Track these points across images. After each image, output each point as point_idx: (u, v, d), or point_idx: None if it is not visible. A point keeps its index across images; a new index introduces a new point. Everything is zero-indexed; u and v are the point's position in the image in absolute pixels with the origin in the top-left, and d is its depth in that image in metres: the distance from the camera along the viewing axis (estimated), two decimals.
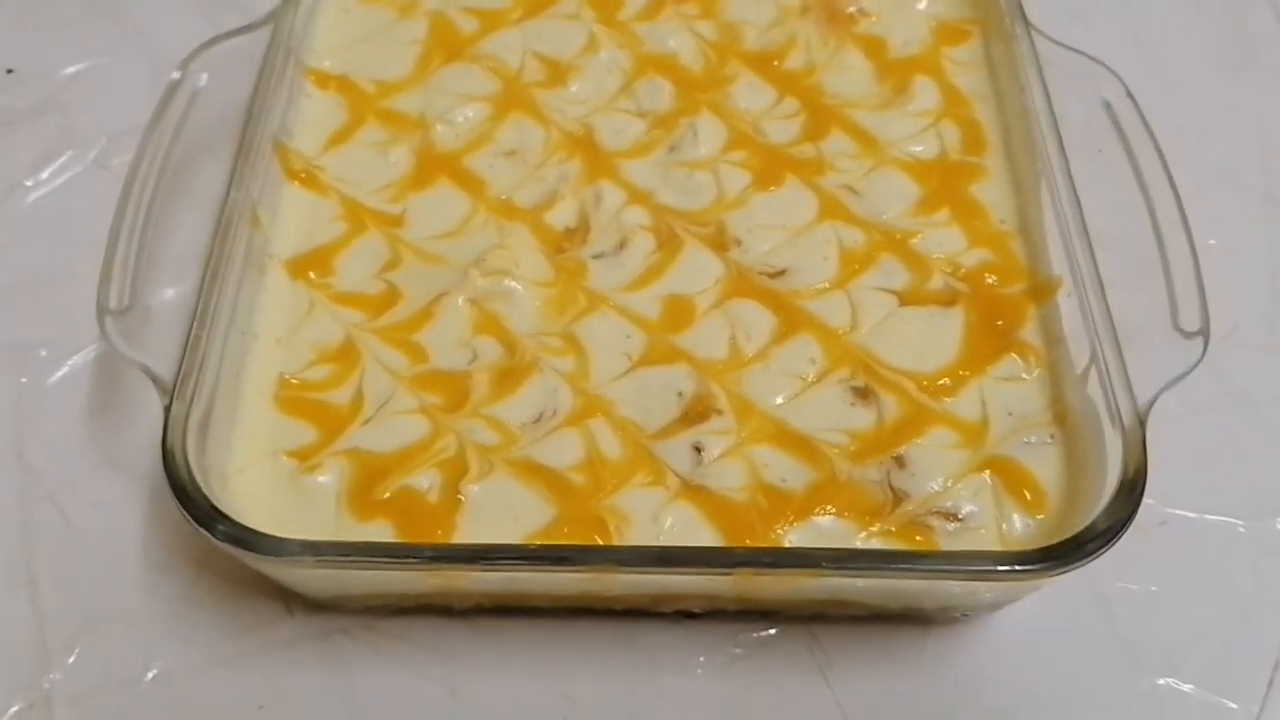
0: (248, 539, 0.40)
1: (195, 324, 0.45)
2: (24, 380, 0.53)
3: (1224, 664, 0.48)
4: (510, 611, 0.47)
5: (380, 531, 0.43)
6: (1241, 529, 0.51)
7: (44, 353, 0.54)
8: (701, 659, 0.47)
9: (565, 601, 0.45)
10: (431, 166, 0.54)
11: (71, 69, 0.65)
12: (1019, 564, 0.40)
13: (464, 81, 0.57)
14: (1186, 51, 0.68)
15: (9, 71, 0.65)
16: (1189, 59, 0.67)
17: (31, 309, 0.56)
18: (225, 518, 0.40)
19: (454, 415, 0.46)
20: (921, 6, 0.60)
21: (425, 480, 0.45)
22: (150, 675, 0.46)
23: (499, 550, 0.40)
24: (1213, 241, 0.53)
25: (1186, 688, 0.47)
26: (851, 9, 0.60)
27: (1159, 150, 0.51)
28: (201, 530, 0.40)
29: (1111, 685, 0.47)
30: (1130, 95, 0.53)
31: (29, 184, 0.60)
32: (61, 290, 0.56)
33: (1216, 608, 0.49)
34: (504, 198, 0.53)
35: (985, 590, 0.43)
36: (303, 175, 0.53)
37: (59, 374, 0.54)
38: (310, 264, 0.50)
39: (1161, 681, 0.47)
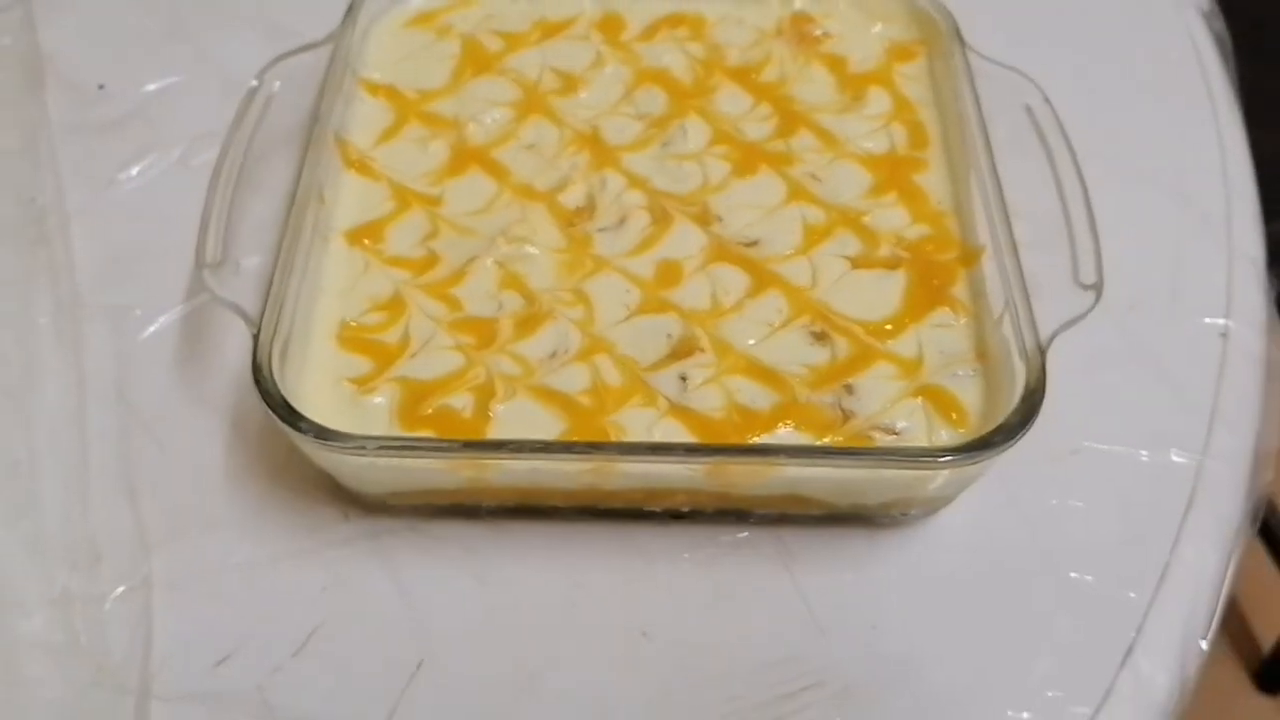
0: (324, 433, 0.50)
1: (276, 275, 0.55)
2: (122, 335, 0.64)
3: (1124, 563, 0.57)
4: (528, 514, 0.57)
5: (419, 463, 0.53)
6: (1144, 457, 0.61)
7: (138, 312, 0.65)
8: (686, 555, 0.56)
9: (574, 499, 0.55)
10: (464, 158, 0.64)
11: (153, 85, 0.77)
12: (940, 455, 0.50)
13: (492, 90, 0.68)
14: (1108, 68, 0.79)
15: (101, 87, 0.76)
16: (1109, 75, 0.78)
17: (126, 278, 0.66)
18: (305, 418, 0.50)
19: (484, 352, 0.56)
20: (877, 30, 0.71)
21: (461, 401, 0.55)
22: (231, 564, 0.56)
23: (521, 443, 0.50)
24: (1122, 227, 0.63)
25: (1090, 578, 0.56)
26: (818, 32, 0.71)
27: (1069, 145, 0.61)
28: (285, 427, 0.50)
29: (1028, 578, 0.57)
30: (1047, 100, 0.64)
31: (121, 178, 0.71)
32: (151, 264, 0.67)
33: (1120, 521, 0.59)
34: (525, 183, 0.63)
35: (916, 482, 0.52)
36: (358, 164, 0.64)
37: (150, 329, 0.64)
38: (365, 234, 0.61)
39: (1072, 575, 0.57)
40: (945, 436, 0.54)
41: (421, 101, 0.67)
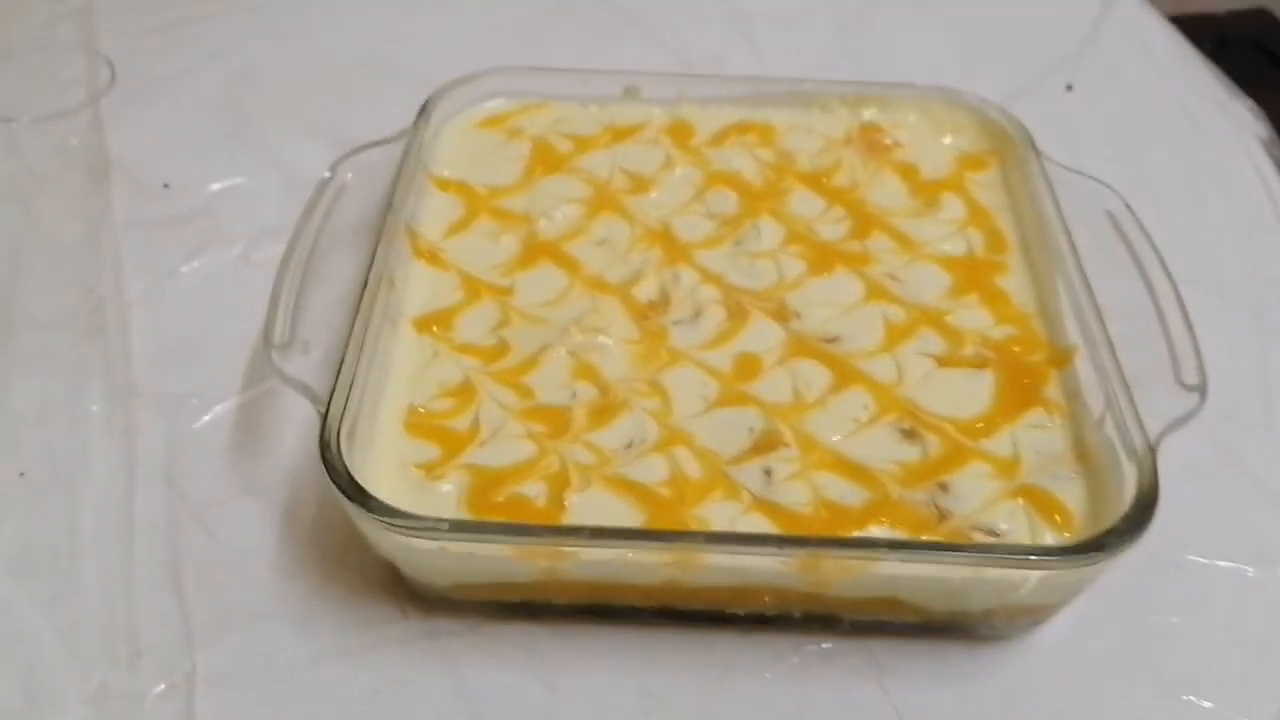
0: (394, 513, 0.47)
1: (347, 354, 0.53)
2: (176, 423, 0.62)
3: (1240, 686, 0.53)
4: (599, 616, 0.53)
5: (491, 550, 0.50)
6: (1250, 574, 0.57)
7: (194, 401, 0.62)
8: (769, 665, 0.53)
9: (652, 598, 0.51)
10: (535, 251, 0.63)
11: (218, 185, 0.76)
12: (1053, 555, 0.47)
13: (562, 188, 0.67)
14: (1173, 186, 0.78)
15: (166, 186, 0.76)
16: (1176, 192, 0.78)
17: (183, 368, 0.64)
18: (374, 498, 0.47)
19: (557, 441, 0.54)
20: (947, 141, 0.71)
21: (534, 490, 0.52)
22: (279, 662, 0.52)
23: (606, 530, 0.47)
24: (1207, 337, 0.61)
25: (1207, 704, 0.52)
26: (887, 140, 0.71)
27: (1155, 248, 0.60)
28: (353, 507, 0.47)
29: (1138, 700, 0.52)
30: (1129, 208, 0.63)
31: (183, 270, 0.70)
32: (210, 354, 0.65)
33: (1230, 639, 0.55)
34: (596, 276, 0.62)
35: (1022, 586, 0.49)
36: (428, 254, 0.62)
37: (206, 418, 0.62)
38: (434, 321, 0.59)
39: (1185, 698, 0.52)
40: (1050, 540, 0.51)
41: (492, 197, 0.67)
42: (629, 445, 0.54)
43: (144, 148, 0.79)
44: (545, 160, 0.69)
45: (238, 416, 0.62)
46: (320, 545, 0.56)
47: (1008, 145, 0.69)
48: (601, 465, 0.53)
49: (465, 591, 0.52)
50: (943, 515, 0.52)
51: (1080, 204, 0.64)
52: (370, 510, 0.47)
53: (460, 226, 0.65)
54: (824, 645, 0.53)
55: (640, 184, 0.68)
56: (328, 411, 0.50)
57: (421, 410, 0.55)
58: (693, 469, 0.53)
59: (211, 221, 0.74)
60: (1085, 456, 0.54)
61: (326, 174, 0.63)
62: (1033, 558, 0.47)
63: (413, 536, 0.47)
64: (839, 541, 0.48)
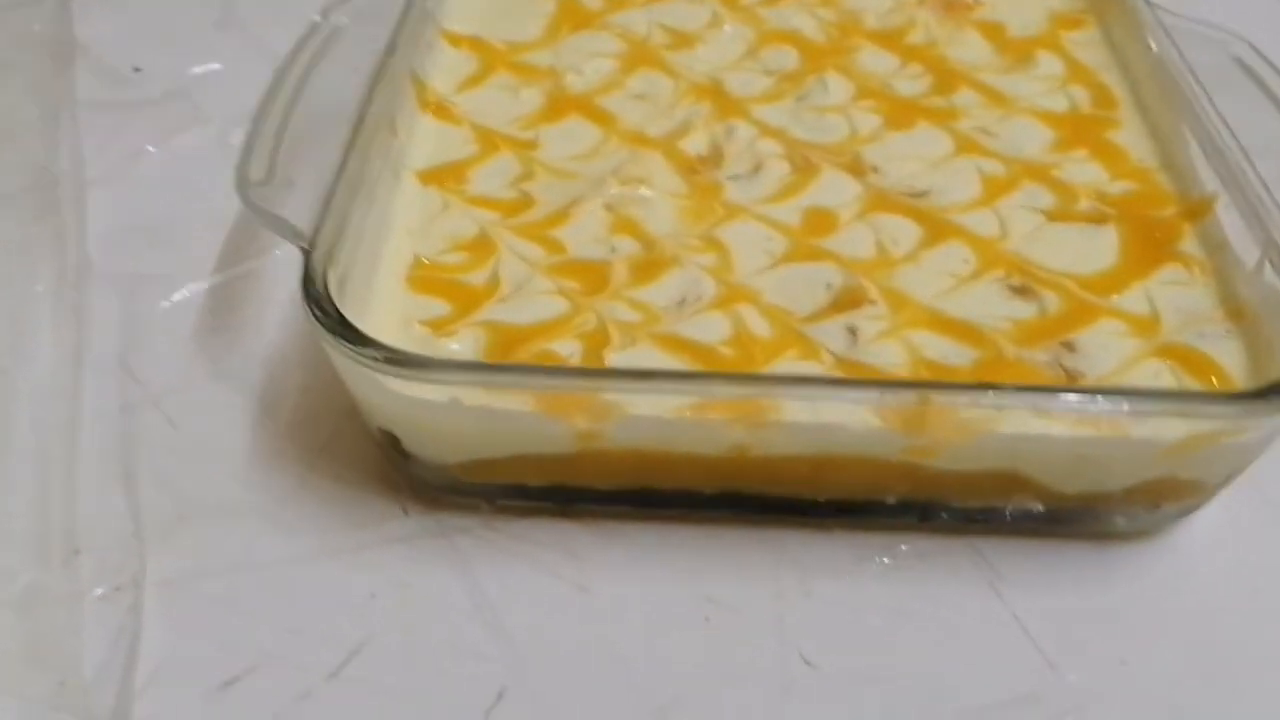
0: (396, 357, 0.37)
1: (336, 192, 0.43)
2: (136, 304, 0.52)
3: None
4: (644, 511, 0.43)
5: (515, 405, 0.40)
6: None
7: (157, 283, 0.53)
8: (854, 568, 0.42)
9: (710, 477, 0.41)
10: (562, 104, 0.54)
11: (197, 69, 0.67)
12: (1232, 401, 0.37)
13: (592, 43, 0.58)
14: None
15: (136, 70, 0.67)
16: None
17: (149, 249, 0.55)
18: (370, 339, 0.38)
19: (594, 297, 0.44)
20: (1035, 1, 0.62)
21: (566, 348, 0.42)
22: (249, 564, 0.42)
23: (659, 372, 0.37)
24: None
25: None
26: None
27: None
28: (344, 349, 0.37)
29: None
30: (1259, 52, 0.53)
31: (152, 150, 0.61)
32: (179, 235, 0.56)
33: None
34: (635, 129, 0.52)
35: (1180, 452, 0.39)
36: (435, 107, 0.53)
37: (172, 299, 0.52)
38: (443, 175, 0.50)
39: None
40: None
41: (511, 53, 0.57)
42: (681, 303, 0.44)
43: (114, 34, 0.70)
44: (572, 16, 0.60)
45: (209, 299, 0.53)
46: (303, 435, 0.46)
47: (1108, 1, 0.60)
48: (649, 323, 0.43)
49: (480, 473, 0.42)
50: (1071, 377, 0.42)
51: (1200, 54, 0.54)
52: (365, 353, 0.37)
53: (474, 81, 0.55)
54: (920, 544, 0.43)
55: (683, 40, 0.58)
56: (313, 247, 0.41)
57: (428, 262, 0.45)
58: (760, 327, 0.43)
59: (189, 104, 0.64)
60: (1239, 313, 0.44)
61: (317, 18, 0.54)
62: (1209, 405, 0.37)
63: (419, 381, 0.37)
64: (959, 386, 0.38)
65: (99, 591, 0.41)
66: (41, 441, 0.46)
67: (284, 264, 0.54)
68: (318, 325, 0.38)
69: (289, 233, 0.42)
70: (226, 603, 0.41)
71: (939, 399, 0.37)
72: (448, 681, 0.39)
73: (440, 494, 0.43)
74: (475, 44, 0.57)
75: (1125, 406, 0.37)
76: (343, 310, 0.39)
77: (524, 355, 0.41)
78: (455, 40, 0.57)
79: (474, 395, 0.38)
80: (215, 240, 0.55)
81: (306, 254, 0.41)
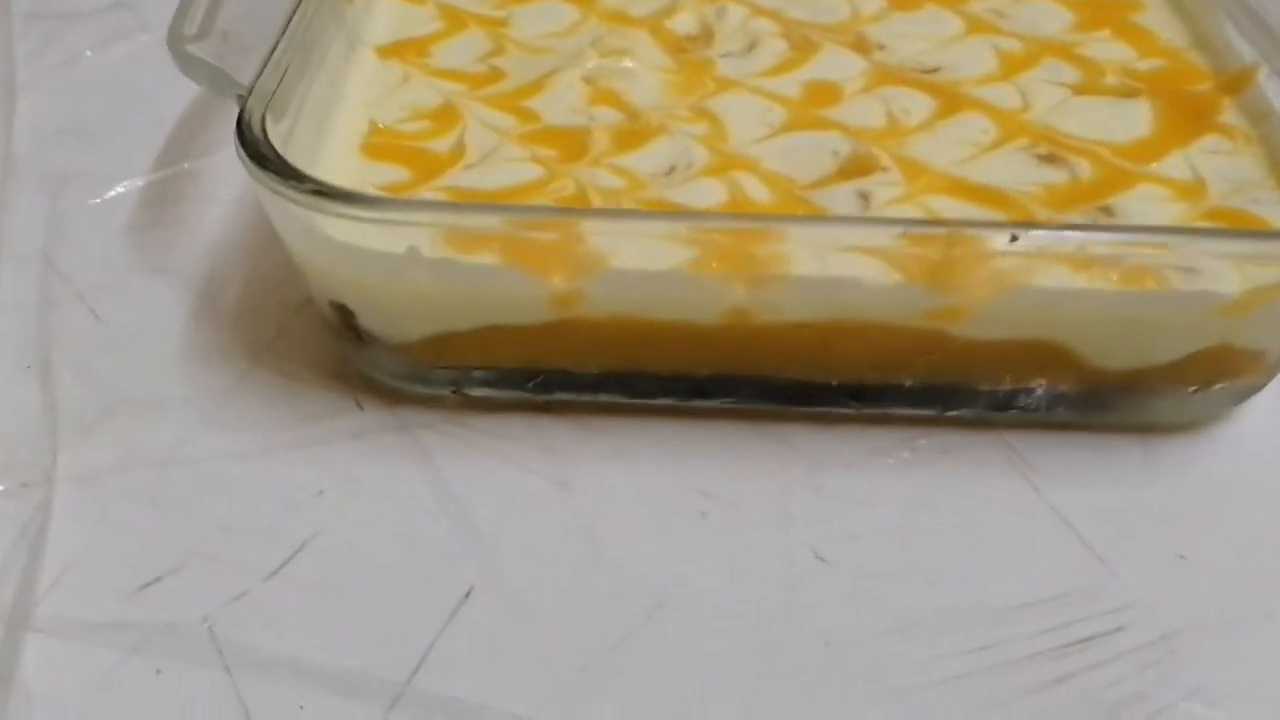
0: (339, 194, 0.32)
1: (276, 51, 0.38)
2: (62, 201, 0.47)
3: None
4: (628, 393, 0.38)
5: (484, 259, 0.35)
6: None
7: (88, 181, 0.48)
8: (869, 461, 0.37)
9: (706, 355, 0.36)
10: None
11: None
12: None
13: None
14: None
15: None
16: None
17: (80, 150, 0.50)
18: (308, 176, 0.33)
19: (572, 164, 0.39)
20: None
21: None
22: (178, 459, 0.37)
23: (647, 213, 0.32)
24: None
25: None
26: None
27: None
28: (279, 188, 0.32)
29: None
30: None
31: (88, 55, 0.56)
32: (113, 137, 0.51)
33: None
34: (615, 9, 0.48)
35: (1239, 310, 0.34)
36: None
37: (104, 196, 0.47)
38: (404, 49, 0.45)
39: None
40: None
41: None
42: (670, 171, 0.39)
43: None
44: None
45: (144, 195, 0.47)
46: (246, 331, 0.41)
47: None
48: (634, 189, 0.38)
49: (444, 353, 0.37)
50: None
51: None
52: (307, 189, 0.32)
53: None
54: (942, 437, 0.38)
55: None
56: (251, 92, 0.36)
57: (385, 129, 0.40)
58: (759, 194, 0.38)
59: (130, 14, 0.59)
60: None
61: None
62: (1273, 243, 0.33)
63: (367, 220, 0.32)
64: (992, 224, 0.33)
65: (2, 487, 0.36)
66: None
67: (229, 163, 0.48)
68: (253, 165, 0.33)
69: (225, 83, 0.37)
70: (150, 500, 0.36)
71: (969, 237, 0.32)
72: (406, 580, 0.34)
73: (400, 384, 0.38)
74: None
75: (1179, 248, 0.32)
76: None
77: None
78: None
79: (435, 244, 0.33)
80: (154, 142, 0.50)
81: (242, 98, 0.36)
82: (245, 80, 0.37)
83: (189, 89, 0.41)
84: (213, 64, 0.37)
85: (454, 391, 0.38)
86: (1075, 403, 0.38)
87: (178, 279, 0.43)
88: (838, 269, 0.33)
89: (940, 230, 0.32)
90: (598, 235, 0.33)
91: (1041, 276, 0.33)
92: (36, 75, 0.54)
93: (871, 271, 0.33)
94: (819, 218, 0.35)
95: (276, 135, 0.35)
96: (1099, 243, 0.32)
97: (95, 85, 0.54)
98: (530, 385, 0.38)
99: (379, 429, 0.38)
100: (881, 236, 0.32)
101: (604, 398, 0.38)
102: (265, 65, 0.37)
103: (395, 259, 0.33)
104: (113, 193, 0.47)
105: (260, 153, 0.33)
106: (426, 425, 0.38)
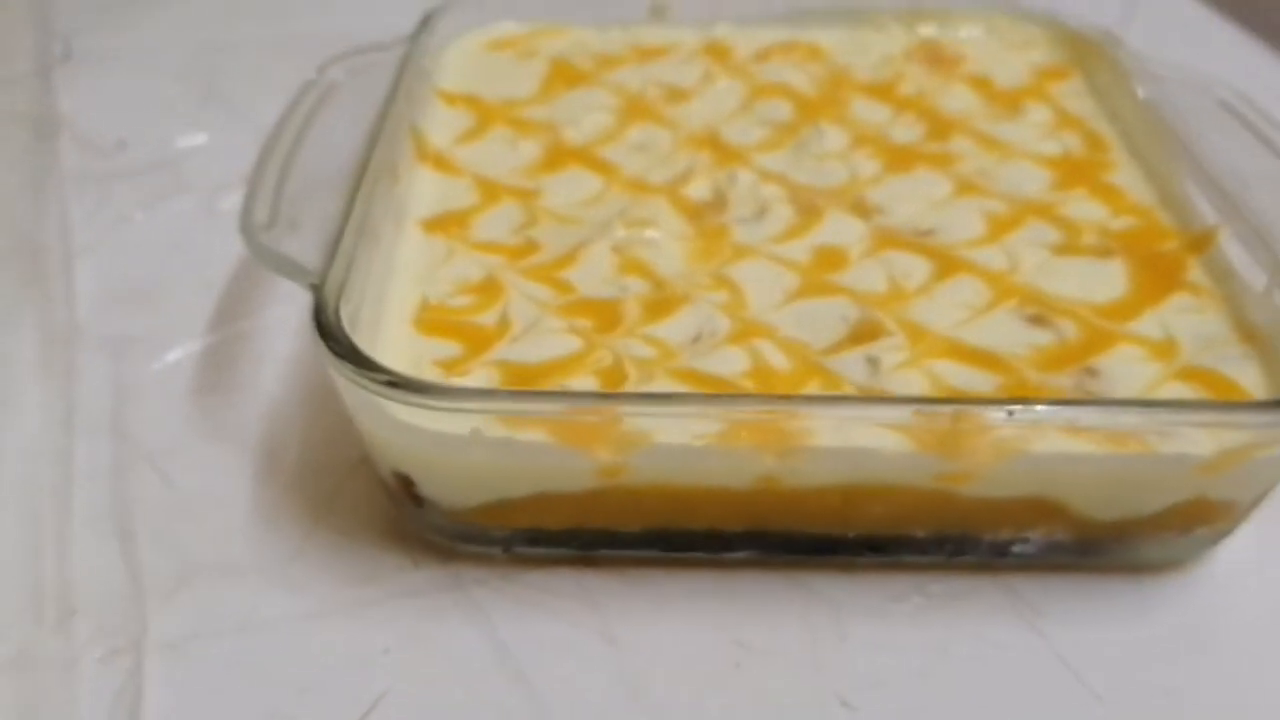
0: (412, 384, 0.36)
1: (343, 236, 0.42)
2: (127, 366, 0.50)
3: None
4: (669, 549, 0.41)
5: (538, 437, 0.39)
6: None
7: (148, 345, 0.51)
8: (887, 607, 0.41)
9: (737, 513, 0.40)
10: (562, 155, 0.54)
11: (182, 143, 0.67)
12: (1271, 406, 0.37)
13: (587, 99, 0.58)
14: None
15: (121, 143, 0.66)
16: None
17: (137, 311, 0.54)
18: (382, 366, 0.36)
19: (607, 335, 0.43)
20: (1018, 55, 0.63)
21: (583, 384, 0.41)
22: (256, 622, 0.40)
23: (686, 395, 0.36)
24: None
25: None
26: (951, 54, 0.62)
27: None
28: (354, 378, 0.36)
29: None
30: (1243, 95, 0.54)
31: (139, 218, 0.60)
32: (169, 298, 0.55)
33: None
34: (637, 178, 0.52)
35: (1216, 468, 0.38)
36: (434, 159, 0.53)
37: (164, 361, 0.51)
38: (446, 223, 0.49)
39: None
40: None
41: (507, 109, 0.57)
42: (696, 339, 0.43)
43: (99, 110, 0.70)
44: (565, 76, 0.60)
45: (203, 359, 0.51)
46: (306, 490, 0.45)
47: (1089, 51, 0.61)
48: (665, 359, 0.42)
49: (498, 516, 0.40)
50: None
51: (1186, 99, 0.55)
52: (381, 379, 0.36)
53: (472, 135, 0.55)
54: (952, 582, 0.42)
55: (678, 94, 0.59)
56: (324, 282, 0.40)
57: (436, 305, 0.44)
58: (779, 361, 0.42)
59: (173, 174, 0.64)
60: (1253, 336, 0.44)
61: (311, 75, 0.54)
62: (1240, 415, 0.37)
63: (437, 409, 0.36)
64: (993, 401, 0.37)
65: (96, 654, 0.39)
66: (31, 502, 0.44)
67: (278, 323, 0.53)
68: (331, 356, 0.37)
69: (297, 272, 0.41)
70: (232, 664, 0.39)
71: (973, 414, 0.36)
72: None
73: (452, 543, 0.42)
74: (471, 101, 0.57)
75: (1157, 419, 0.37)
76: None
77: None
78: (450, 99, 0.57)
79: (494, 426, 0.36)
80: (206, 303, 0.54)
81: (316, 289, 0.40)
82: (312, 264, 0.41)
83: (233, 248, 0.45)
84: (286, 256, 0.42)
85: (505, 550, 0.42)
86: (1069, 548, 0.41)
87: (238, 442, 0.46)
88: (857, 440, 0.37)
89: (947, 409, 0.36)
90: (638, 416, 0.36)
91: (1037, 444, 0.37)
92: (91, 239, 0.58)
93: (887, 442, 0.37)
94: (839, 397, 0.39)
95: (345, 319, 0.39)
96: (1086, 415, 0.37)
97: (146, 247, 0.58)
98: (576, 544, 0.41)
99: (435, 587, 0.41)
100: (896, 414, 0.36)
101: (644, 553, 0.41)
102: (334, 254, 0.41)
103: (458, 438, 0.37)
104: (172, 356, 0.51)
105: (337, 343, 0.37)
106: (479, 581, 0.41)
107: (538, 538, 0.41)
